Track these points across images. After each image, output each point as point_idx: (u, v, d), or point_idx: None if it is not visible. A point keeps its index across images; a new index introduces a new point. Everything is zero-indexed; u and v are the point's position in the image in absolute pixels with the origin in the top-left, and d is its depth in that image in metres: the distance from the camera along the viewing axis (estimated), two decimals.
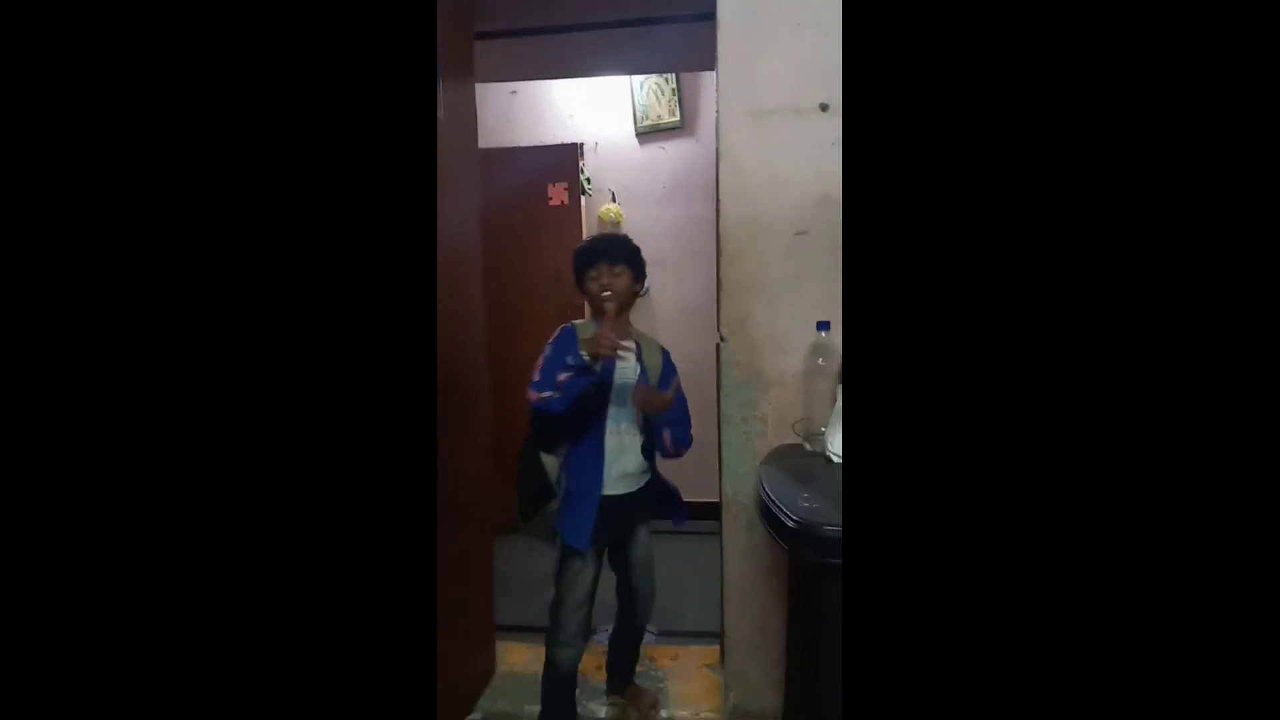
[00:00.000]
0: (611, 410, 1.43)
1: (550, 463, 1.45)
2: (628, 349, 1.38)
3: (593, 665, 1.83)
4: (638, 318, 2.95)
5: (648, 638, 1.99)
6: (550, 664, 1.50)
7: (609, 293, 1.41)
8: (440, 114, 1.49)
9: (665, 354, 1.52)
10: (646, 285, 2.91)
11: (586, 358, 1.33)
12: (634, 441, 1.46)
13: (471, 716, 1.64)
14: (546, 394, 1.35)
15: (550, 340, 1.43)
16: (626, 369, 1.44)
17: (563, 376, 1.34)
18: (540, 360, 1.40)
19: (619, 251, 1.44)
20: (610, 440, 1.43)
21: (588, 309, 1.59)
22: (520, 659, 1.89)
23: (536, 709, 1.67)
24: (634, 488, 1.47)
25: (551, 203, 2.85)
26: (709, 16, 1.51)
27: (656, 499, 1.53)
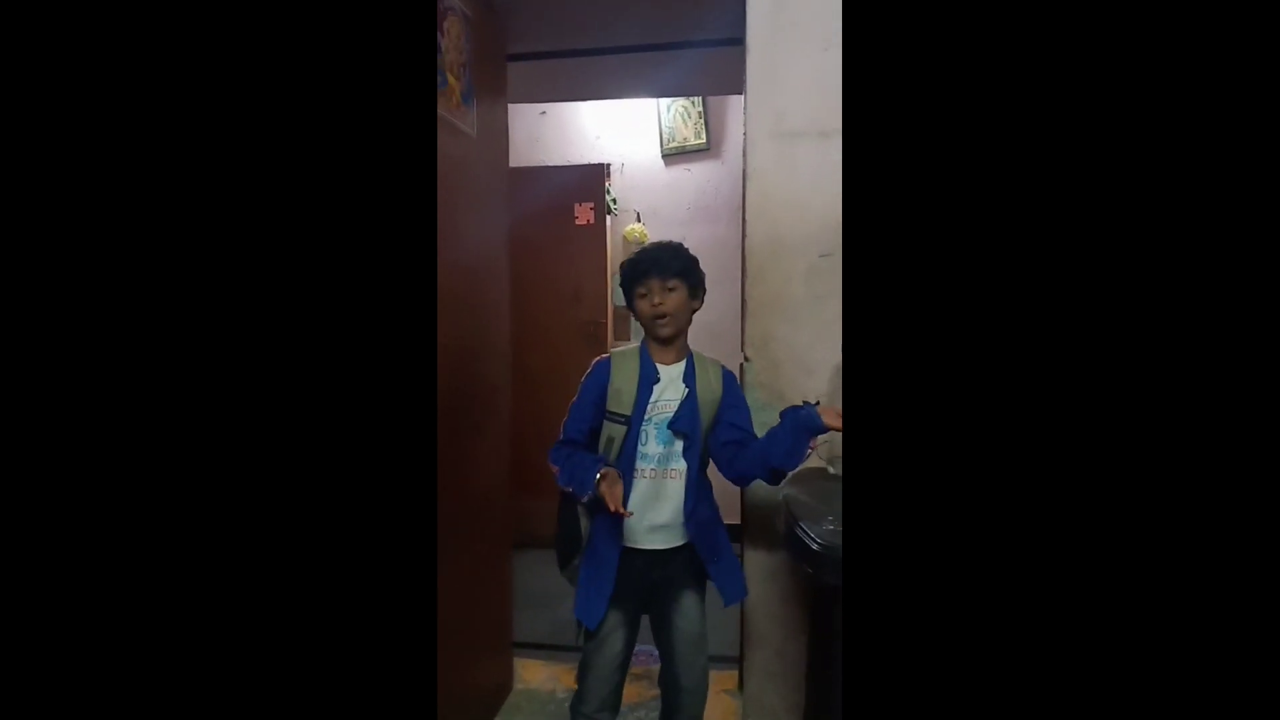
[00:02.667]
0: (642, 450, 1.21)
1: (585, 511, 1.24)
2: (626, 514, 1.13)
3: None
4: None
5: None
6: None
7: (664, 316, 1.20)
8: (473, 132, 1.52)
9: (727, 374, 1.29)
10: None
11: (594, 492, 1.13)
12: (674, 486, 1.22)
13: None
14: (555, 469, 1.21)
15: (584, 377, 1.26)
16: (669, 399, 1.22)
17: (601, 475, 1.13)
18: (571, 405, 1.26)
19: (672, 262, 1.21)
20: (640, 485, 1.20)
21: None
22: (538, 676, 1.88)
23: None
24: (675, 542, 1.23)
25: (577, 222, 2.88)
26: (737, 40, 1.53)
27: (703, 560, 1.24)
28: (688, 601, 1.25)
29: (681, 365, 1.25)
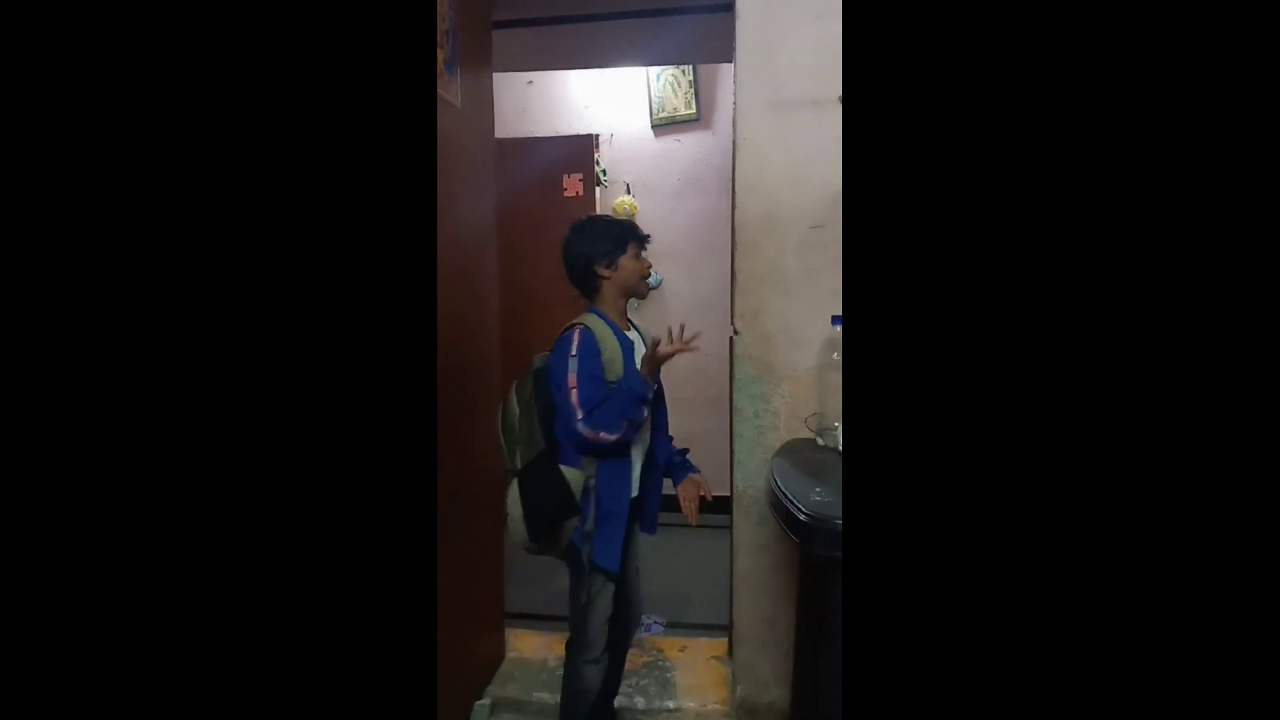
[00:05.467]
0: None
1: (573, 475, 1.29)
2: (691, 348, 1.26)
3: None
4: (651, 311, 2.97)
5: (654, 628, 2.00)
6: (579, 681, 1.38)
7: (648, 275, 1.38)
8: (457, 102, 1.49)
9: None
10: (660, 277, 2.95)
11: (650, 381, 1.25)
12: (647, 437, 1.39)
13: (480, 702, 1.65)
14: (610, 436, 1.23)
15: (572, 353, 1.25)
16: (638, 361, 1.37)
17: (645, 414, 1.27)
18: (573, 379, 1.24)
19: (643, 235, 1.39)
20: (636, 441, 1.36)
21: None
22: (529, 645, 1.91)
23: (545, 695, 1.68)
24: (639, 489, 1.40)
25: (566, 194, 2.85)
26: (727, 7, 1.50)
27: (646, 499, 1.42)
28: (637, 539, 1.45)
29: (635, 333, 1.39)
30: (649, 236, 1.38)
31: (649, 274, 1.37)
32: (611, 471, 1.32)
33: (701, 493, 1.39)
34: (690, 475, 1.42)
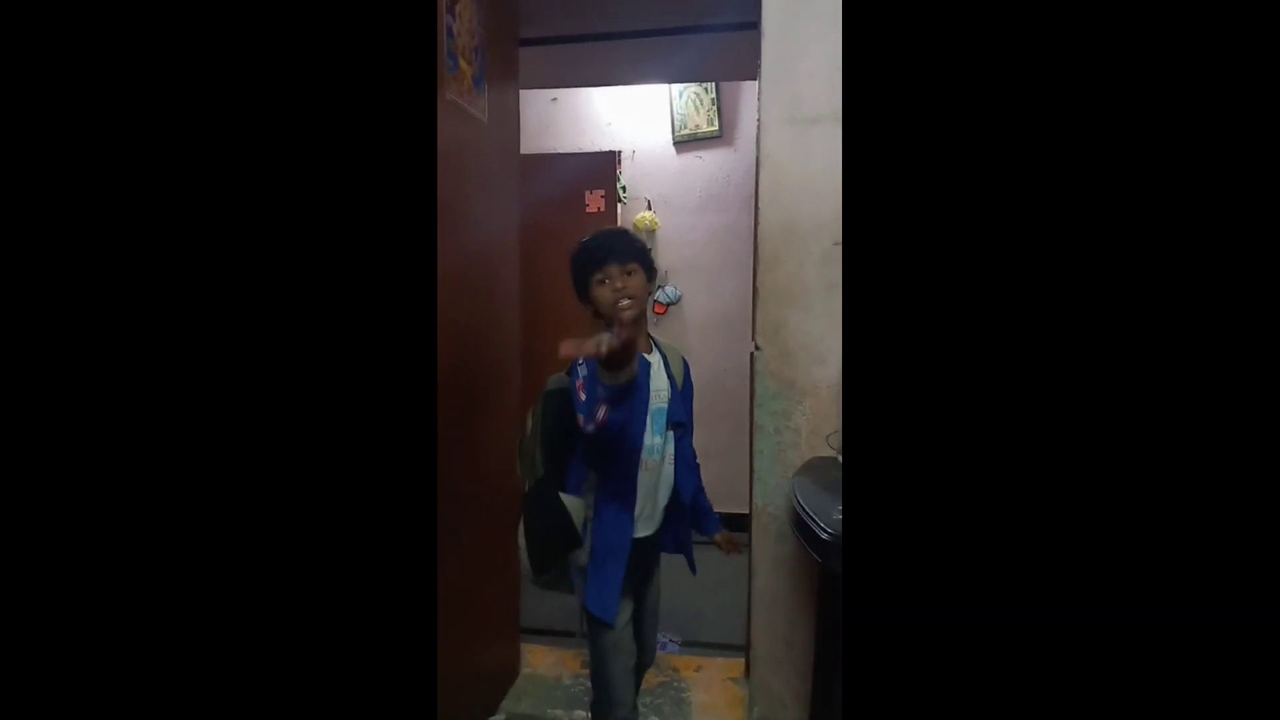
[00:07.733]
0: (645, 442, 1.20)
1: (574, 504, 1.19)
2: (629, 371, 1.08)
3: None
4: (670, 326, 2.97)
5: (669, 647, 1.98)
6: None
7: (628, 300, 1.15)
8: (484, 118, 1.51)
9: (686, 364, 1.34)
10: (679, 292, 2.96)
11: (610, 382, 1.05)
12: (668, 472, 1.25)
13: (494, 717, 1.64)
14: (592, 426, 1.09)
15: (579, 362, 1.15)
16: (659, 390, 1.23)
17: (601, 415, 1.07)
18: (580, 384, 1.14)
19: (628, 249, 1.19)
20: (642, 478, 1.21)
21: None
22: (544, 661, 1.89)
23: (559, 712, 1.67)
24: (658, 526, 1.27)
25: (588, 210, 2.87)
26: (751, 25, 1.51)
27: (691, 522, 1.33)
28: (656, 578, 1.36)
29: (657, 355, 1.26)
30: (606, 260, 1.18)
31: (621, 300, 1.15)
32: (606, 503, 1.20)
33: (732, 546, 1.34)
34: (720, 532, 1.35)
